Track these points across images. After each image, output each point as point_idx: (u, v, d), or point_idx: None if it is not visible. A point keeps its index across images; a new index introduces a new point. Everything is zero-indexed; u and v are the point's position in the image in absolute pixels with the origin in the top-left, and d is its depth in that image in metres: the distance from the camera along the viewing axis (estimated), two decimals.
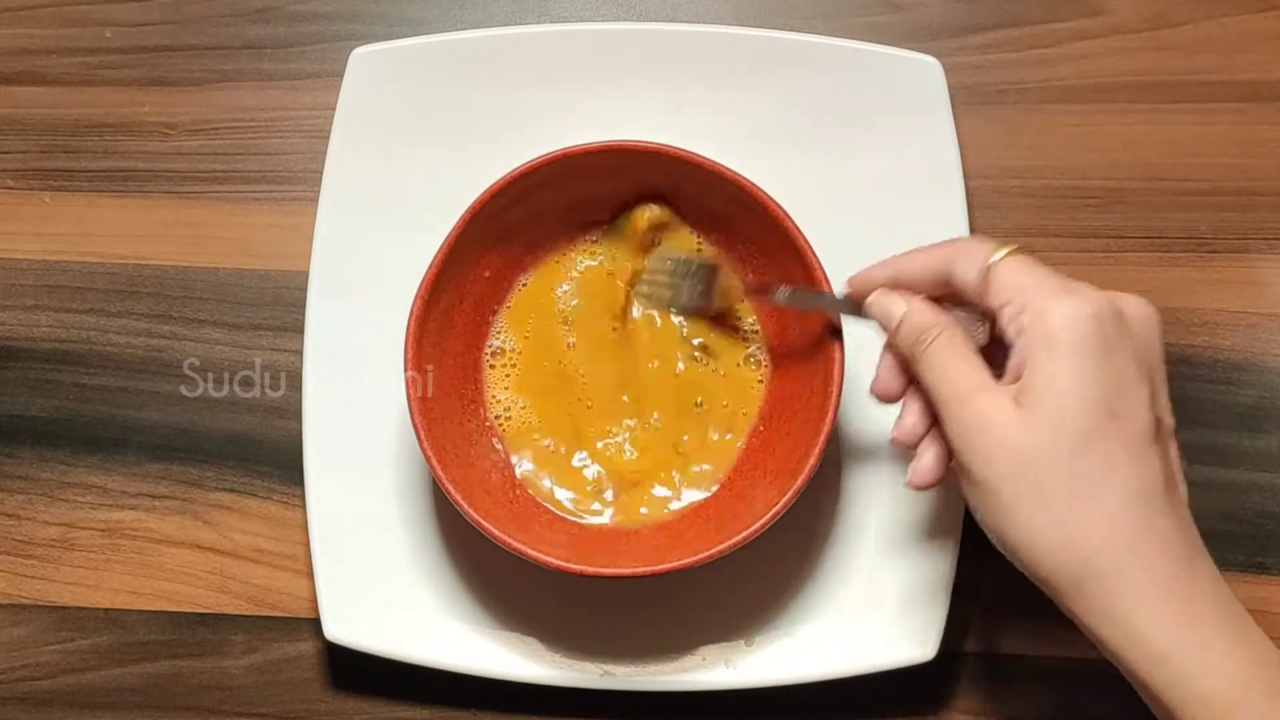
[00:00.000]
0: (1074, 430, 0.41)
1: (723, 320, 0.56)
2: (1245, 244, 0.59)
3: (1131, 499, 0.41)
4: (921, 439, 0.47)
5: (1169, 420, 0.44)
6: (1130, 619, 0.41)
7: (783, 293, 0.51)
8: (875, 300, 0.48)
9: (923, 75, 0.57)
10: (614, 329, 0.55)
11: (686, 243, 0.56)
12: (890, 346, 0.48)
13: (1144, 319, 0.44)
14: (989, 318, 0.45)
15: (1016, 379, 0.43)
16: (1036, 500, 0.41)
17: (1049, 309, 0.42)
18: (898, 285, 0.47)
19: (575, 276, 0.56)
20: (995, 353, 0.45)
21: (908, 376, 0.47)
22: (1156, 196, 0.59)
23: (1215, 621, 0.41)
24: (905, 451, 0.47)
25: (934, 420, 0.46)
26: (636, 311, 0.56)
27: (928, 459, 0.46)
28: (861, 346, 0.52)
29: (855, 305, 0.49)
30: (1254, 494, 0.57)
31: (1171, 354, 0.57)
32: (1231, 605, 0.42)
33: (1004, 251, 0.45)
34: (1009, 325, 0.43)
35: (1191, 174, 0.59)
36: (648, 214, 0.55)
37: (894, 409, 0.48)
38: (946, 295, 0.47)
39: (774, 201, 0.51)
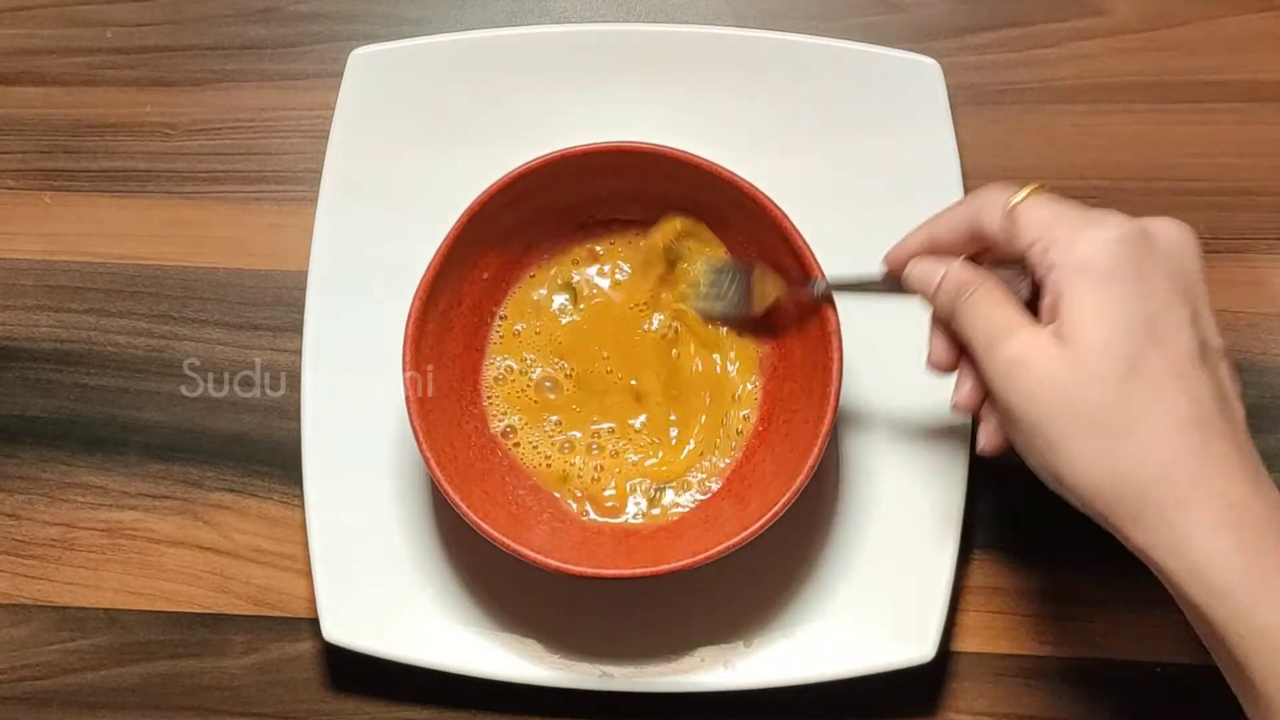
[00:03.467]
0: (1116, 358, 0.40)
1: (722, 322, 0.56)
2: (1245, 244, 0.58)
3: (1183, 424, 0.40)
4: (982, 403, 0.46)
5: (1216, 340, 0.43)
6: (1190, 550, 0.39)
7: (819, 284, 0.50)
8: (912, 269, 0.47)
9: (922, 76, 0.57)
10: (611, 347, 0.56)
11: (715, 249, 0.55)
12: (935, 317, 0.47)
13: (1175, 238, 0.43)
14: (1026, 268, 0.44)
15: (1054, 319, 0.42)
16: (1085, 434, 0.41)
17: (1076, 240, 0.41)
18: (933, 250, 0.47)
19: (577, 284, 0.56)
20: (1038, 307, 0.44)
21: (958, 347, 0.47)
22: (1156, 196, 0.59)
23: (1278, 552, 0.39)
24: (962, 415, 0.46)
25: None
26: (655, 323, 0.56)
27: (967, 385, 0.46)
28: (861, 346, 0.52)
29: (895, 283, 0.48)
30: None
31: None
32: None
33: (1025, 192, 0.44)
34: (1039, 264, 0.42)
35: (1191, 174, 0.59)
36: (676, 226, 0.55)
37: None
38: (983, 255, 0.46)
39: (772, 203, 0.51)
